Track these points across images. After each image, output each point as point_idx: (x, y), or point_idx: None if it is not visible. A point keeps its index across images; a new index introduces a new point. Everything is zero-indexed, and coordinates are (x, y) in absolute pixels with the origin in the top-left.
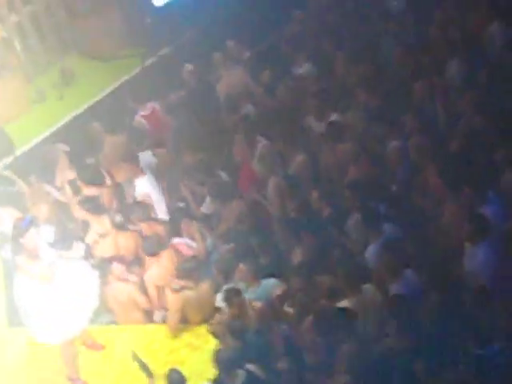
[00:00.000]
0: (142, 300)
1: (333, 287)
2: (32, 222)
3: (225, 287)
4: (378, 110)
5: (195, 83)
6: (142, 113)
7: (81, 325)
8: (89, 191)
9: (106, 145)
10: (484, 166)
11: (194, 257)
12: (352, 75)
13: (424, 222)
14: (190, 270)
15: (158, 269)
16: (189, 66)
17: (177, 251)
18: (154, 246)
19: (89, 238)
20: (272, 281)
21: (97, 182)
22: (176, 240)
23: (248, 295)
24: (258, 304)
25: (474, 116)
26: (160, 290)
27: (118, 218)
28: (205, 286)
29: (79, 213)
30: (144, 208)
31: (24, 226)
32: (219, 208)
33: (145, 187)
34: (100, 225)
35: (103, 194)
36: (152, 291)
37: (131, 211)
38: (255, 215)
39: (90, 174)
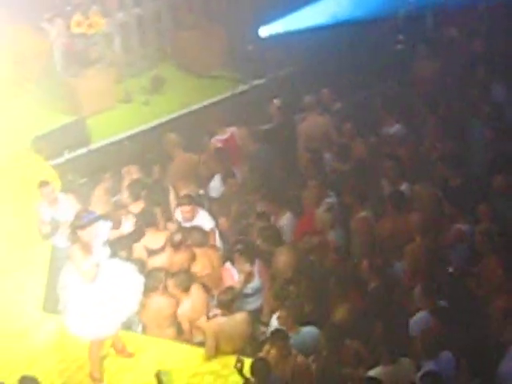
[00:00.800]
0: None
1: (359, 354)
2: (96, 218)
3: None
4: (454, 190)
5: (280, 120)
6: (219, 137)
7: (115, 327)
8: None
9: (177, 159)
10: None
11: (230, 288)
12: (438, 149)
13: (474, 309)
14: (226, 301)
15: (190, 303)
16: (277, 102)
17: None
18: (184, 282)
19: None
20: (313, 331)
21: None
22: (227, 264)
23: None
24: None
25: None
26: (193, 322)
27: (177, 237)
28: (239, 317)
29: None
30: (202, 233)
31: (87, 219)
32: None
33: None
34: (153, 239)
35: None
36: (185, 325)
37: (189, 235)
38: (308, 263)
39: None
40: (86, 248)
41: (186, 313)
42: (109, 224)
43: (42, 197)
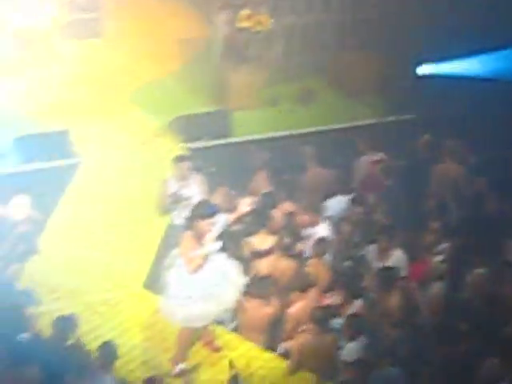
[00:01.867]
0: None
1: None
2: (216, 212)
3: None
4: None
5: (424, 156)
6: (374, 157)
7: (208, 319)
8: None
9: (311, 173)
10: None
11: (328, 307)
12: None
13: None
14: (320, 318)
15: (302, 305)
16: (427, 137)
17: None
18: (304, 283)
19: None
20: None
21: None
22: None
23: None
24: None
25: None
26: (299, 324)
27: (287, 240)
28: (328, 338)
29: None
30: (324, 246)
31: (208, 211)
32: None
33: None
34: (262, 240)
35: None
36: (290, 325)
37: (316, 245)
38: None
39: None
40: (199, 238)
41: (295, 312)
42: (226, 219)
43: (174, 170)
